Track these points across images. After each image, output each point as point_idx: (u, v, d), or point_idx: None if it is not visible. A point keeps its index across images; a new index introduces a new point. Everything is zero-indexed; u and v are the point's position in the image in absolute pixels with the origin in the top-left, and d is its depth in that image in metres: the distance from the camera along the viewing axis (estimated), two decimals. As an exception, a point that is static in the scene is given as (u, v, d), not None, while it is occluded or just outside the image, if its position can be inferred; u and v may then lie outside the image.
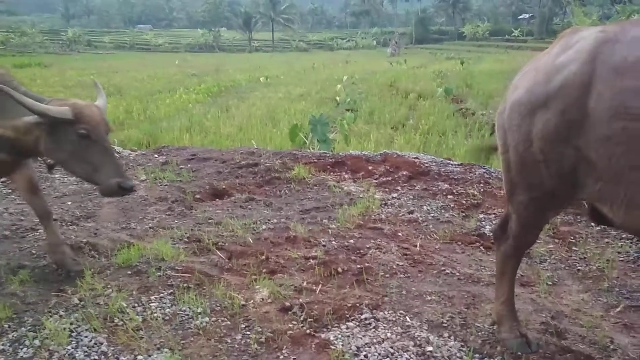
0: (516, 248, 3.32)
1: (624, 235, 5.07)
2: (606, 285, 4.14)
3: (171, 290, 3.87)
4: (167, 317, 3.54)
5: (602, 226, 3.38)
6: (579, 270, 4.44)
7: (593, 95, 2.69)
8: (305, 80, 30.45)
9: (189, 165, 7.55)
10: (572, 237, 5.06)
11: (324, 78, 30.30)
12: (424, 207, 5.91)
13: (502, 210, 5.79)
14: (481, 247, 4.96)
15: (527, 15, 70.44)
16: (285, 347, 3.23)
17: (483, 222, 5.50)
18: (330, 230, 5.16)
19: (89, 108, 3.48)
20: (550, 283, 4.21)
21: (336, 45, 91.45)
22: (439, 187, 6.57)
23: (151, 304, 3.68)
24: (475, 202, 6.06)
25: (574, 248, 4.85)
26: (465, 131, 13.13)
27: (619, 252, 4.74)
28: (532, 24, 65.98)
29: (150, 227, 5.13)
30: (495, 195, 6.26)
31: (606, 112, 2.62)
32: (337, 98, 19.36)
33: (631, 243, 4.90)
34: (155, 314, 3.55)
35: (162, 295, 3.82)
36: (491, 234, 5.19)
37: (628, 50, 2.63)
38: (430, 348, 3.23)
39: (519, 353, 3.20)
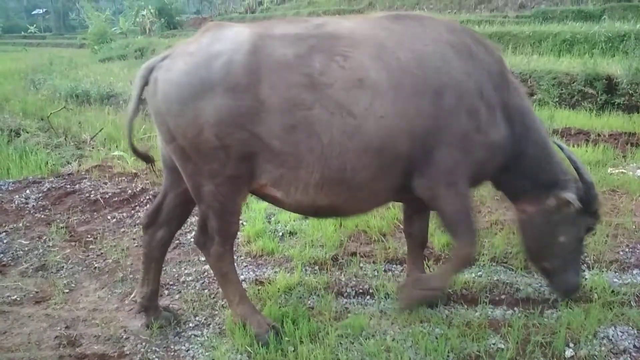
0: (223, 244, 3.15)
1: (138, 222, 5.34)
2: (121, 275, 4.25)
3: None
4: None
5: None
6: (95, 268, 4.42)
7: (265, 86, 2.77)
8: None
9: None
10: (89, 236, 5.02)
11: None
12: None
13: (16, 224, 5.28)
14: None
15: (42, 11, 67.14)
16: None
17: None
18: None
19: None
20: (67, 291, 4.04)
21: None
22: None
23: None
24: (-20, 224, 5.31)
25: (91, 247, 4.81)
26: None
27: (133, 239, 4.96)
28: (49, 20, 63.60)
29: None
30: (6, 210, 5.65)
31: (284, 103, 2.77)
32: None
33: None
34: None
35: None
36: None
37: (285, 47, 2.85)
38: None
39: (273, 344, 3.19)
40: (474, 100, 3.02)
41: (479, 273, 4.08)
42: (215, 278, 3.90)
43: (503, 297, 3.78)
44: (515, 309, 3.62)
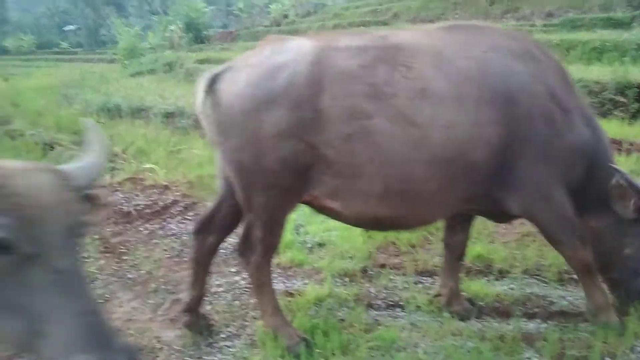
0: (265, 255, 3.18)
1: (169, 233, 5.44)
2: (154, 286, 4.32)
3: None
4: None
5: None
6: (129, 279, 4.51)
7: (326, 96, 2.77)
8: None
9: None
10: (122, 247, 5.12)
11: None
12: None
13: None
14: None
15: (73, 27, 68.94)
16: None
17: None
18: None
19: (22, 179, 1.62)
20: (101, 301, 4.12)
21: None
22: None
23: None
24: None
25: (124, 257, 4.91)
26: (14, 155, 11.85)
27: (165, 250, 5.04)
28: (80, 35, 65.17)
29: None
30: None
31: (343, 112, 2.77)
32: None
33: (176, 239, 5.30)
34: None
35: None
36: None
37: (348, 58, 2.86)
38: None
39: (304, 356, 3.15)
40: (546, 104, 2.98)
41: (511, 286, 4.04)
42: (246, 289, 3.95)
43: (537, 310, 3.73)
44: (550, 322, 3.56)
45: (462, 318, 3.60)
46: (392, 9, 25.88)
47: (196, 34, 32.39)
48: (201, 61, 19.32)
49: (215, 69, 3.13)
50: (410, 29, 3.25)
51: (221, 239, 3.54)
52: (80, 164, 1.93)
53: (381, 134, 2.81)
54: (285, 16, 32.73)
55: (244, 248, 3.30)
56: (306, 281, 4.27)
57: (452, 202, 3.15)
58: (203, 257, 3.50)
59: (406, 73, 2.87)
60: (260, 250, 3.17)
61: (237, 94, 2.90)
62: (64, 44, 56.22)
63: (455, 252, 3.68)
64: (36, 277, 1.55)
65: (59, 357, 1.52)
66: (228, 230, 3.53)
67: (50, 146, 9.70)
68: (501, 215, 3.38)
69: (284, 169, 2.89)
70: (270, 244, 3.21)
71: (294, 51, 2.93)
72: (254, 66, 2.95)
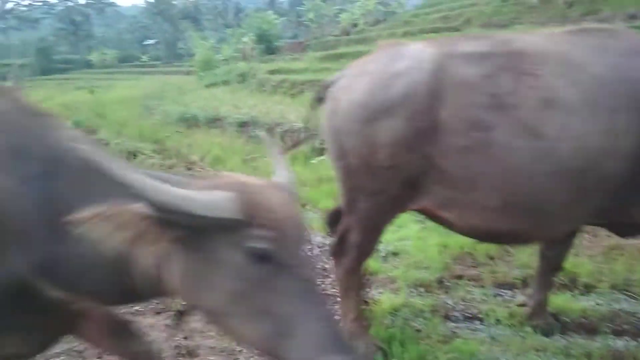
0: (358, 259, 3.20)
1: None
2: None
3: None
4: None
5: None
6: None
7: (445, 106, 2.70)
8: None
9: None
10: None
11: None
12: None
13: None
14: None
15: (153, 41, 72.54)
16: None
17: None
18: None
19: (271, 194, 1.79)
20: (184, 303, 4.29)
21: (-63, 83, 75.76)
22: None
23: None
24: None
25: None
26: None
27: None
28: (159, 49, 68.43)
29: None
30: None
31: (462, 123, 2.68)
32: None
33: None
34: None
35: None
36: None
37: (468, 66, 2.75)
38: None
39: None
40: None
41: (598, 301, 3.85)
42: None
43: (626, 327, 3.53)
44: (640, 340, 3.37)
45: (545, 333, 3.46)
46: (463, 14, 25.36)
47: (267, 45, 33.10)
48: (272, 72, 19.72)
49: (331, 76, 3.15)
50: (538, 33, 2.98)
51: None
52: (285, 179, 2.02)
53: (502, 146, 2.67)
54: (355, 25, 32.82)
55: (339, 250, 3.27)
56: (381, 290, 4.26)
57: (579, 215, 2.95)
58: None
59: (531, 82, 2.70)
60: (354, 254, 3.15)
61: (355, 102, 2.87)
62: (144, 58, 59.19)
63: (551, 264, 3.49)
64: (286, 284, 1.68)
65: (309, 358, 1.63)
66: None
67: (133, 154, 10.22)
68: (629, 229, 3.17)
69: (395, 177, 2.83)
70: (365, 250, 3.19)
71: (412, 58, 2.85)
72: (371, 73, 2.92)
